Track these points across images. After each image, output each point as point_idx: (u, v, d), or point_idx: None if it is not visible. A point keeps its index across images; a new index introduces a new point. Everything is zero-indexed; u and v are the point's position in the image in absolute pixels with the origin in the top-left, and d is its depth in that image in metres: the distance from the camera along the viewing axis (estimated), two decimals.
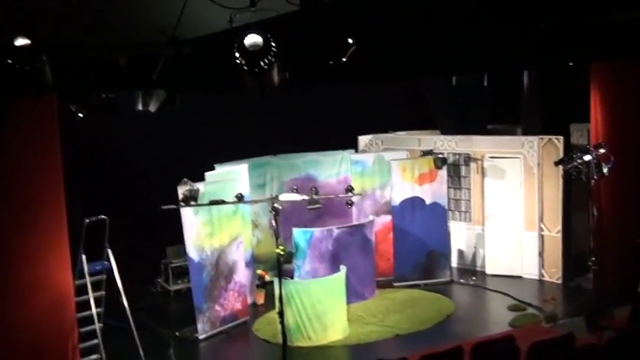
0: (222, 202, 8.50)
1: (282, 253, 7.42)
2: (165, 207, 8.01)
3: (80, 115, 6.09)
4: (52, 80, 5.57)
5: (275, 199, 7.35)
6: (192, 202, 9.47)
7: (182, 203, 8.06)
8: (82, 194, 10.77)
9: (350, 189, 9.01)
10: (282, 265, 7.68)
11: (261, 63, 5.05)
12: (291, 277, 10.79)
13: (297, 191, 8.11)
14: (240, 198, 8.81)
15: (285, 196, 7.84)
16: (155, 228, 10.70)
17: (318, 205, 7.92)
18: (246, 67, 5.09)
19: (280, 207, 7.25)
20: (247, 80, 5.25)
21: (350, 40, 6.85)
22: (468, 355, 6.15)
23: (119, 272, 10.92)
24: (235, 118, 12.52)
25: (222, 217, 10.15)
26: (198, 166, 10.94)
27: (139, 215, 11.05)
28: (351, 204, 9.01)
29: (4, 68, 5.24)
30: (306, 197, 8.06)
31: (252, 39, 5.22)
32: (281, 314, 7.47)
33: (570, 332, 6.15)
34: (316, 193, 8.00)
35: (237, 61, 5.14)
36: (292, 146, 12.54)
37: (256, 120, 12.77)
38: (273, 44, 5.19)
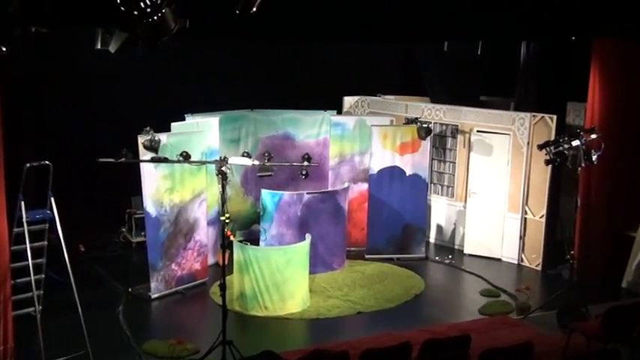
0: (165, 159, 7.82)
1: (227, 220, 6.79)
2: (102, 160, 7.36)
3: (3, 49, 5.44)
4: None
5: (223, 162, 6.68)
6: (153, 154, 8.92)
7: (123, 158, 7.35)
8: (35, 138, 10.33)
9: (307, 158, 8.25)
10: (225, 234, 7.04)
11: (144, 4, 4.20)
12: (257, 240, 10.26)
13: (249, 155, 7.45)
14: (185, 157, 8.13)
15: (235, 160, 7.17)
16: (124, 176, 10.11)
17: (269, 173, 7.27)
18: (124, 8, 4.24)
19: (228, 171, 6.59)
20: (136, 27, 4.49)
21: None
22: (416, 351, 5.61)
23: (82, 220, 10.58)
24: (214, 66, 11.86)
25: (185, 171, 9.53)
26: (171, 115, 10.39)
27: (108, 163, 10.48)
28: (306, 175, 8.28)
29: None
30: (256, 162, 7.39)
31: None
32: (222, 287, 6.90)
33: (528, 341, 5.59)
34: (269, 159, 7.32)
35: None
36: (274, 101, 11.87)
37: (237, 70, 12.15)
38: None
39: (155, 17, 4.41)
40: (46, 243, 8.09)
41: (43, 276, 8.21)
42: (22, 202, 7.52)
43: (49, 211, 7.79)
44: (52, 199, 7.75)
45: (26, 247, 7.56)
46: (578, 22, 8.97)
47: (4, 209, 7.24)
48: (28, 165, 7.49)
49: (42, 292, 8.14)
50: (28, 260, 7.56)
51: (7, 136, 7.21)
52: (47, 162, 7.64)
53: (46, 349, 7.32)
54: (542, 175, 10.66)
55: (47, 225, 7.98)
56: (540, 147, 8.90)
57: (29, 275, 7.59)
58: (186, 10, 5.38)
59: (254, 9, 5.54)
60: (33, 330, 7.47)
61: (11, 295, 7.44)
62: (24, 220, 7.55)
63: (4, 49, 5.45)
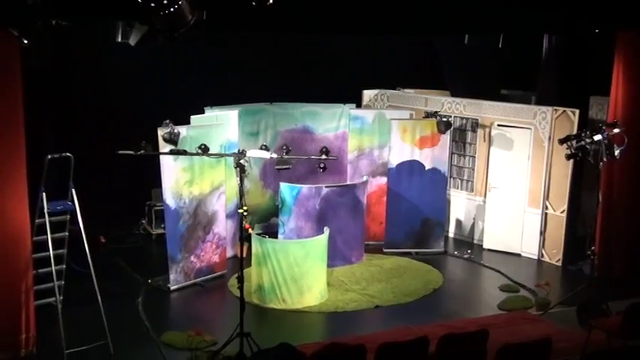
0: (184, 152, 7.84)
1: (245, 213, 6.80)
2: (121, 152, 7.41)
3: (25, 41, 5.49)
4: None
5: (241, 154, 6.68)
6: (172, 147, 8.96)
7: (142, 150, 7.39)
8: (57, 130, 10.43)
9: (325, 151, 8.21)
10: (243, 226, 7.05)
11: None
12: (275, 233, 10.27)
13: (267, 148, 7.45)
14: (204, 150, 8.14)
15: (253, 153, 7.17)
16: (144, 168, 10.18)
17: (287, 166, 7.25)
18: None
19: (246, 164, 6.59)
20: (154, 19, 4.49)
21: None
22: (434, 345, 5.58)
23: (103, 212, 10.70)
24: (233, 60, 11.87)
25: (204, 164, 9.56)
26: (191, 108, 10.41)
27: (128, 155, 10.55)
28: (324, 168, 8.25)
29: None
30: (274, 155, 7.38)
31: None
32: (240, 280, 6.91)
33: (547, 337, 5.54)
34: (287, 152, 7.30)
35: None
36: (293, 95, 11.85)
37: (257, 63, 12.14)
38: None
39: (172, 9, 4.41)
40: (67, 234, 8.18)
41: (64, 266, 8.32)
42: (44, 194, 7.59)
43: (70, 203, 7.86)
44: (73, 191, 7.83)
45: (47, 238, 7.64)
46: (602, 14, 8.84)
47: (26, 200, 7.37)
48: (49, 157, 7.55)
49: (63, 282, 8.27)
50: (49, 251, 7.64)
51: (28, 128, 7.33)
52: (68, 154, 7.71)
53: (66, 338, 7.38)
54: (563, 170, 10.55)
55: (68, 216, 8.06)
56: (562, 141, 8.79)
57: (50, 266, 7.66)
58: (203, 2, 5.38)
59: (271, 1, 5.54)
60: (54, 319, 7.56)
61: (33, 285, 7.57)
62: (45, 211, 7.62)
63: (25, 41, 5.52)
